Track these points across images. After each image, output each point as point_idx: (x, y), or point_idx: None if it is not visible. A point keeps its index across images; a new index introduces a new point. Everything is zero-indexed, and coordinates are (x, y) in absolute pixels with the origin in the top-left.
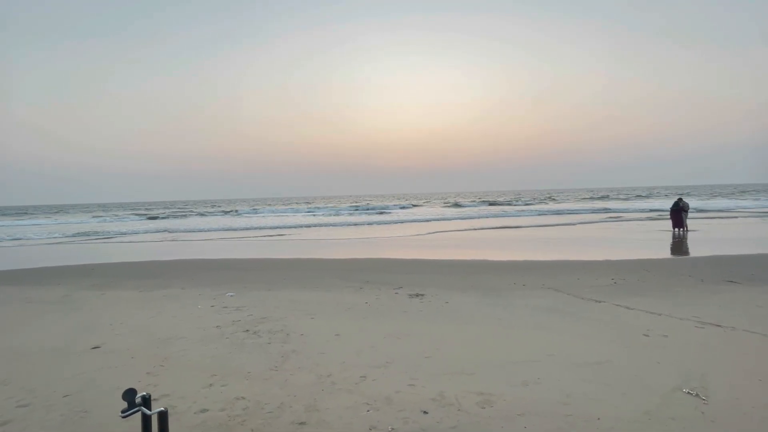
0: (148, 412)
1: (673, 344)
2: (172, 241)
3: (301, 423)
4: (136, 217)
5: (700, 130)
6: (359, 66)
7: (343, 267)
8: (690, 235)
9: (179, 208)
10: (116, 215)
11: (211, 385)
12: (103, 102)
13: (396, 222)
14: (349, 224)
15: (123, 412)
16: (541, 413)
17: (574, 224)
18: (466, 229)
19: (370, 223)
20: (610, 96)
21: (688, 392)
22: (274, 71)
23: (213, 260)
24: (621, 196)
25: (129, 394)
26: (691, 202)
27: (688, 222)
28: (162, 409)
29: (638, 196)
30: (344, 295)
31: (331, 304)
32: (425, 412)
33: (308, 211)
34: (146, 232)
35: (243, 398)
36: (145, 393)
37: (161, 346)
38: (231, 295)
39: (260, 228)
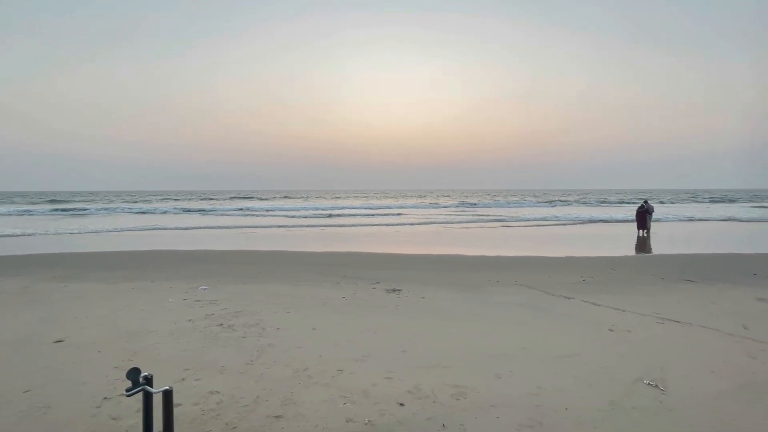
0: (152, 390)
1: (635, 338)
2: (143, 231)
3: (278, 416)
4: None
5: (679, 135)
6: (340, 60)
7: (321, 261)
8: (652, 236)
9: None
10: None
11: (183, 379)
12: (73, 86)
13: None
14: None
15: (127, 391)
16: (513, 404)
17: (548, 224)
18: (444, 223)
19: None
20: (590, 99)
21: (649, 383)
22: (254, 60)
23: (185, 252)
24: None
25: (133, 374)
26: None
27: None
28: (167, 387)
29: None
30: (321, 290)
31: (308, 298)
32: (401, 405)
33: (290, 210)
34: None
35: (217, 392)
36: (147, 373)
37: (130, 340)
38: (204, 289)
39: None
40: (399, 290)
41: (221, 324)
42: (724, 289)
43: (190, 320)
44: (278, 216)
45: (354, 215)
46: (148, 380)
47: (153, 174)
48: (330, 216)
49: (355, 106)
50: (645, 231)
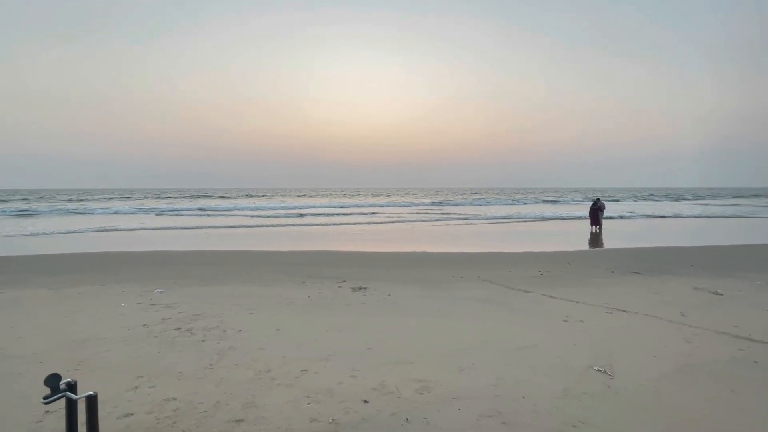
0: (74, 396)
1: (587, 328)
2: (91, 232)
3: (238, 420)
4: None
5: (636, 138)
6: (309, 56)
7: (286, 260)
8: (604, 232)
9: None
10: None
11: (136, 387)
12: (15, 75)
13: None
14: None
15: (45, 398)
16: (474, 396)
17: (511, 222)
18: (412, 221)
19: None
20: (551, 102)
21: (598, 369)
22: (218, 54)
23: (139, 253)
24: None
25: (52, 380)
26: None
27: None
28: (91, 393)
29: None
30: (286, 290)
31: (271, 298)
32: (366, 402)
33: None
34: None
35: (173, 399)
36: (70, 379)
37: (77, 348)
38: (160, 292)
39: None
40: (365, 288)
41: (179, 328)
42: (665, 280)
43: (144, 325)
44: (240, 216)
45: (321, 214)
46: (71, 386)
47: (101, 171)
48: (301, 216)
49: (324, 104)
50: (597, 227)
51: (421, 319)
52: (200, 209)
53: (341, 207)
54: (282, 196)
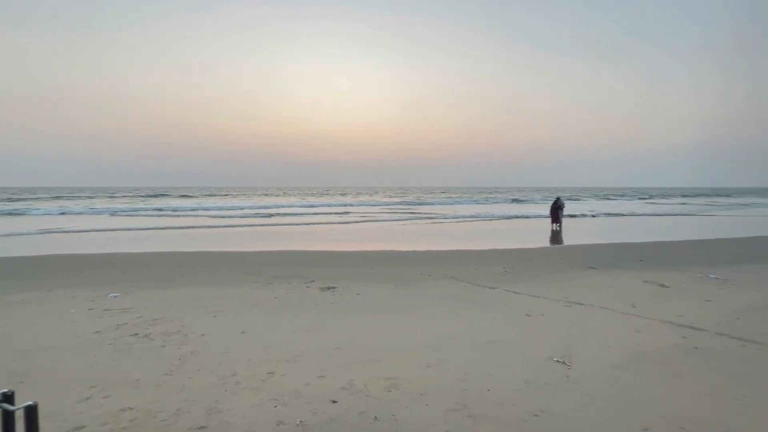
0: (10, 407)
1: (548, 321)
2: (35, 235)
3: (201, 427)
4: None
5: (600, 140)
6: (276, 52)
7: (251, 261)
8: (564, 229)
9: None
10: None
11: (88, 398)
12: None
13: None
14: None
15: None
16: (441, 391)
17: (478, 220)
18: (382, 220)
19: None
20: (520, 104)
21: (557, 360)
22: (174, 48)
23: (89, 255)
24: None
25: None
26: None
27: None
28: (30, 403)
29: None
30: (252, 291)
31: (236, 300)
32: (334, 402)
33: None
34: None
35: (130, 409)
36: (7, 390)
37: (20, 359)
38: (114, 296)
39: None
40: (334, 288)
41: (136, 333)
42: (618, 274)
43: (97, 332)
44: (204, 216)
45: (290, 214)
46: (7, 397)
47: (47, 168)
48: (269, 216)
49: (293, 101)
50: (558, 225)
51: (390, 318)
52: (158, 209)
53: (311, 206)
54: (247, 195)
